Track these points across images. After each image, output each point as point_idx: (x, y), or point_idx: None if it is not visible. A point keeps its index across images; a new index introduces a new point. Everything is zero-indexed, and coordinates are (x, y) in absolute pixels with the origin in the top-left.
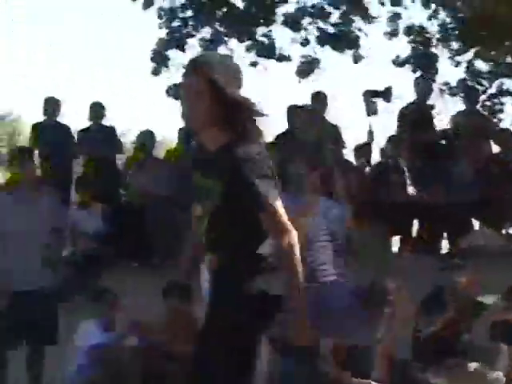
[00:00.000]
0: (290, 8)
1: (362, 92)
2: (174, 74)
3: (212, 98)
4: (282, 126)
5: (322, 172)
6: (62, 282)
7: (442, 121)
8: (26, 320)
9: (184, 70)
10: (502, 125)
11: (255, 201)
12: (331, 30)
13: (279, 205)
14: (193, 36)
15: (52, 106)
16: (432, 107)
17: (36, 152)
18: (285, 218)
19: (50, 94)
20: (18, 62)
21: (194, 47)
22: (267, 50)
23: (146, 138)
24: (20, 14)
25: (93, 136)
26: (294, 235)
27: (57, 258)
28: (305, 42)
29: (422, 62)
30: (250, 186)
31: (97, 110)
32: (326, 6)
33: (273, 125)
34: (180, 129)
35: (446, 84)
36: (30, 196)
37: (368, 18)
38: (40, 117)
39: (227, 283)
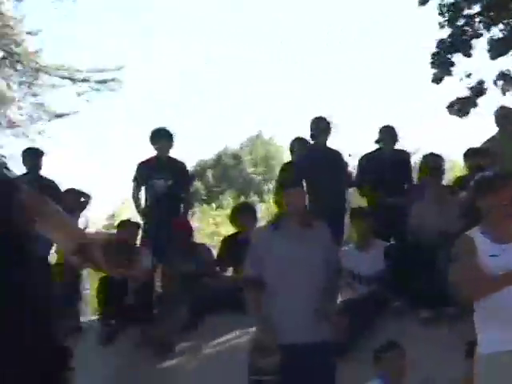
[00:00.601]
0: None
1: None
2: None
3: None
4: None
5: None
6: (338, 333)
7: None
8: (300, 378)
9: None
10: None
11: None
12: None
13: None
14: (480, 35)
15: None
16: None
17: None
18: None
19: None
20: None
21: (481, 50)
22: None
23: (432, 162)
24: None
25: (376, 162)
26: None
27: (331, 305)
28: None
29: None
30: None
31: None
32: None
33: None
34: (467, 150)
35: None
36: (298, 231)
37: None
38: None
39: None
